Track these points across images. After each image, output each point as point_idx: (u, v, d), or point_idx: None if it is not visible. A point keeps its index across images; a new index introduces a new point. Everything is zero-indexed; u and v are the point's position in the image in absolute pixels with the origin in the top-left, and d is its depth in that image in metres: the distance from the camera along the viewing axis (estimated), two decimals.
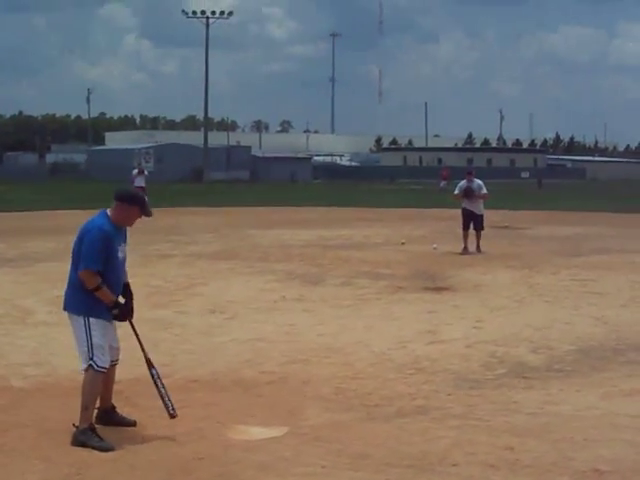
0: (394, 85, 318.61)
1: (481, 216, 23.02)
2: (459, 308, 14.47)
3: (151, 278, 17.22)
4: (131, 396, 8.69)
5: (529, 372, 10.15)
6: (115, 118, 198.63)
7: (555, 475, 6.72)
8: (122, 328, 7.92)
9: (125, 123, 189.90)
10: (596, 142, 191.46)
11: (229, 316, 13.66)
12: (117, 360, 7.98)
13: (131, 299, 7.84)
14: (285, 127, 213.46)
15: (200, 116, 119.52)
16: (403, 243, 24.67)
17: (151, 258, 20.03)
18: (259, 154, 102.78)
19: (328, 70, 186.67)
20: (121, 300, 7.72)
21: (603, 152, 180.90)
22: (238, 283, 17.24)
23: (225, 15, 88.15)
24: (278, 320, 13.31)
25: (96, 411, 7.82)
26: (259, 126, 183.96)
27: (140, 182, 41.16)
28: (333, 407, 8.62)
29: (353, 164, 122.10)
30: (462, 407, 8.65)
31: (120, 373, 8.08)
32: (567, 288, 16.76)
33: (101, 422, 7.78)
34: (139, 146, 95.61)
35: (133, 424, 7.94)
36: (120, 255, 7.67)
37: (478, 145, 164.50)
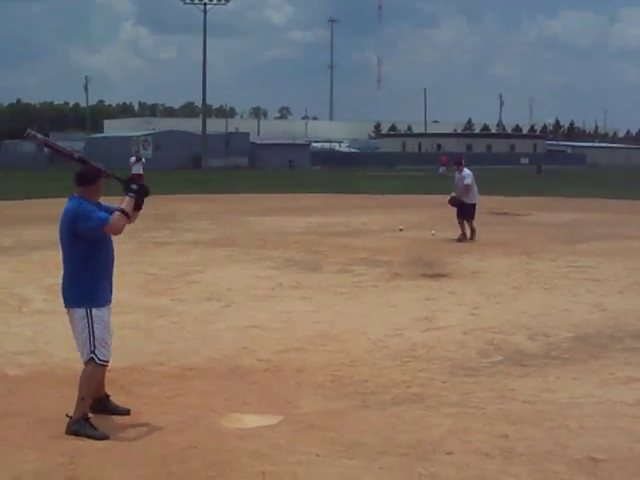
0: (393, 71, 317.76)
1: (472, 205, 22.77)
2: (456, 295, 14.44)
3: (148, 266, 17.19)
4: (125, 384, 8.67)
5: (526, 359, 10.12)
6: (113, 106, 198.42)
7: (550, 463, 6.69)
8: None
9: (123, 110, 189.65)
10: (596, 128, 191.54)
11: (225, 303, 13.62)
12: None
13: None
14: (284, 113, 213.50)
15: (198, 103, 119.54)
16: (401, 230, 24.63)
17: (148, 245, 19.96)
18: (257, 141, 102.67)
19: (327, 56, 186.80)
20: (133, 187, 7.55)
21: (603, 138, 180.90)
22: (235, 270, 17.20)
23: (222, 1, 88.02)
24: (275, 307, 13.27)
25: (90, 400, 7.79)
26: (257, 113, 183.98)
27: (138, 169, 41.09)
28: (328, 395, 8.59)
29: (352, 150, 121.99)
30: (458, 395, 8.62)
31: (113, 362, 8.02)
32: (565, 275, 16.73)
33: (95, 411, 7.73)
34: (137, 133, 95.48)
35: (127, 413, 7.90)
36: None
37: (477, 131, 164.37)
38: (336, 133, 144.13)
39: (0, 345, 10.82)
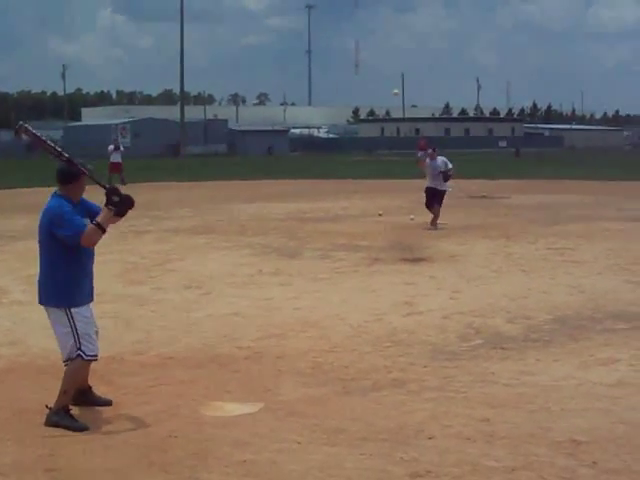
0: (371, 56, 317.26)
1: (443, 192, 22.49)
2: (436, 279, 14.45)
3: (127, 254, 17.14)
4: (105, 374, 8.61)
5: (506, 342, 10.13)
6: (91, 94, 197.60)
7: (532, 446, 6.69)
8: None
9: (101, 99, 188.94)
10: (573, 110, 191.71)
11: (205, 291, 13.58)
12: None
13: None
14: (262, 100, 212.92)
15: (176, 90, 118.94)
16: (380, 215, 24.63)
17: (127, 234, 19.86)
18: (236, 127, 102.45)
19: (304, 42, 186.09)
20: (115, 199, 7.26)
21: (580, 120, 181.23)
22: (215, 258, 17.16)
23: None
24: (254, 294, 13.25)
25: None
26: (236, 99, 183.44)
27: (116, 158, 40.96)
28: (309, 382, 8.57)
29: (330, 136, 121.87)
30: (438, 379, 8.62)
31: None
32: (544, 257, 16.77)
33: (77, 403, 7.69)
34: (115, 122, 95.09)
35: (109, 403, 7.86)
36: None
37: (455, 115, 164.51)
38: (315, 119, 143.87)
39: None
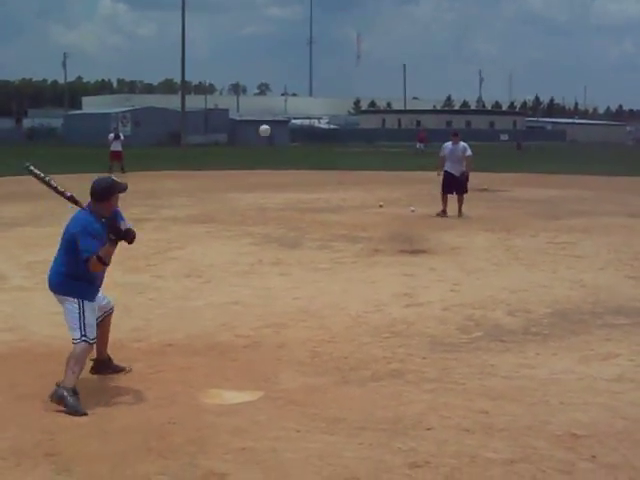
0: (372, 47, 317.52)
1: (463, 179, 22.80)
2: (436, 271, 14.44)
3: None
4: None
5: (506, 335, 10.12)
6: (92, 82, 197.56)
7: (530, 439, 6.69)
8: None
9: (102, 87, 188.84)
10: (576, 104, 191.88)
11: (205, 280, 13.57)
12: (111, 309, 8.23)
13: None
14: (263, 90, 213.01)
15: (177, 79, 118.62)
16: (381, 206, 24.63)
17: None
18: (237, 117, 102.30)
19: (306, 32, 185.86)
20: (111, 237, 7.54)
21: (583, 114, 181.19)
22: (215, 247, 17.15)
23: None
24: (254, 284, 13.24)
25: (92, 362, 8.13)
26: (237, 89, 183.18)
27: (116, 146, 40.99)
28: (308, 371, 8.57)
29: (331, 127, 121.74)
30: (437, 371, 8.61)
31: None
32: (545, 251, 16.76)
33: (97, 372, 8.19)
34: (116, 110, 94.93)
35: (129, 370, 8.35)
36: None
37: (457, 107, 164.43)
38: (315, 109, 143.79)
39: None
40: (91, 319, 7.66)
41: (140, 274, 13.99)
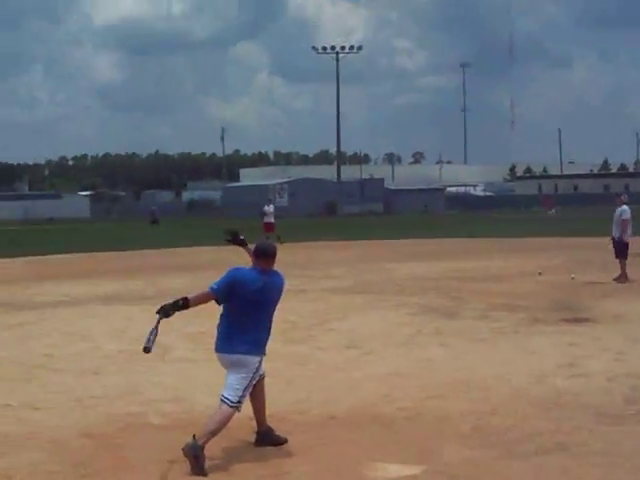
0: (526, 112, 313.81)
1: (621, 243, 22.39)
2: (600, 340, 14.11)
3: (286, 313, 17.25)
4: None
5: None
6: (249, 155, 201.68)
7: None
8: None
9: (259, 160, 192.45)
10: None
11: (365, 351, 13.60)
12: (263, 374, 8.52)
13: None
14: (417, 158, 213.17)
15: (333, 150, 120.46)
16: (540, 273, 24.27)
17: (286, 293, 19.97)
18: (392, 186, 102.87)
19: (459, 100, 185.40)
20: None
21: None
22: (373, 317, 17.19)
23: (355, 50, 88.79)
24: (414, 354, 13.21)
25: (255, 435, 8.47)
26: (391, 158, 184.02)
27: (269, 218, 41.69)
28: (471, 444, 8.47)
29: (487, 194, 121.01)
30: (604, 444, 8.40)
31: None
32: None
33: (259, 444, 8.40)
34: (273, 182, 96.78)
35: (286, 441, 8.46)
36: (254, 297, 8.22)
37: (614, 171, 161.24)
38: (470, 177, 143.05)
39: (144, 393, 11.03)
40: (250, 389, 8.00)
41: (300, 345, 14.13)
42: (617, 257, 22.44)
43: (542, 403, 10.04)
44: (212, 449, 7.94)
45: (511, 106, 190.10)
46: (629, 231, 22.69)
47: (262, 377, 8.42)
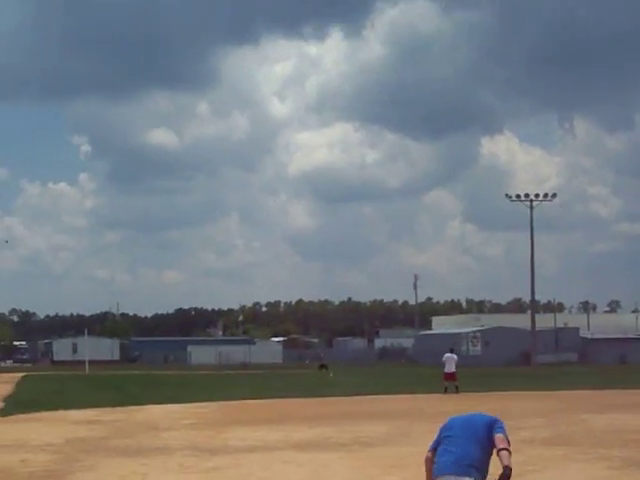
0: None
1: None
2: None
3: None
4: None
5: None
6: (441, 302, 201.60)
7: None
8: None
9: (451, 307, 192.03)
10: None
11: None
12: None
13: None
14: (613, 307, 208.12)
15: (526, 299, 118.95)
16: None
17: None
18: (587, 335, 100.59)
19: None
20: None
21: None
22: (571, 471, 16.73)
23: (549, 197, 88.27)
24: None
25: None
26: (586, 307, 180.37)
27: (450, 368, 41.34)
28: None
29: None
30: None
31: None
32: None
33: None
34: (465, 330, 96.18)
35: None
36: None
37: None
38: None
39: None
40: None
41: None
42: None
43: None
44: None
45: None
46: None
47: None
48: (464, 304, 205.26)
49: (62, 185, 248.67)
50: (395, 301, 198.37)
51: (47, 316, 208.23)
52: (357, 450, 19.80)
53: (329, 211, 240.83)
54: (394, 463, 16.89)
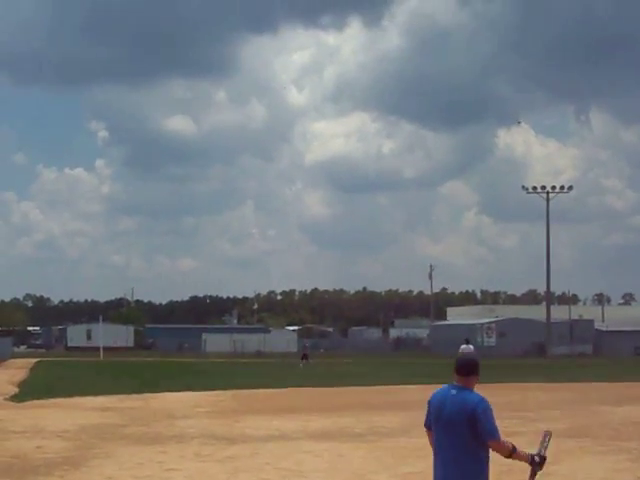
0: None
1: None
2: None
3: (500, 457, 16.94)
4: None
5: None
6: (456, 293, 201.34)
7: None
8: None
9: (466, 298, 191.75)
10: None
11: None
12: None
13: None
14: (627, 300, 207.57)
15: (540, 290, 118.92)
16: None
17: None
18: (602, 327, 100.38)
19: None
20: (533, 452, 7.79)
21: None
22: (588, 463, 16.62)
23: (565, 189, 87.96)
24: None
25: None
26: (601, 299, 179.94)
27: None
28: None
29: None
30: None
31: None
32: None
33: None
34: (480, 321, 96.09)
35: None
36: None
37: None
38: None
39: None
40: None
41: None
42: None
43: None
44: None
45: None
46: None
47: None
48: (479, 295, 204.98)
49: (79, 171, 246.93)
50: (410, 291, 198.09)
51: (61, 302, 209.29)
52: (373, 440, 19.76)
53: (345, 200, 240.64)
54: (409, 453, 16.84)
